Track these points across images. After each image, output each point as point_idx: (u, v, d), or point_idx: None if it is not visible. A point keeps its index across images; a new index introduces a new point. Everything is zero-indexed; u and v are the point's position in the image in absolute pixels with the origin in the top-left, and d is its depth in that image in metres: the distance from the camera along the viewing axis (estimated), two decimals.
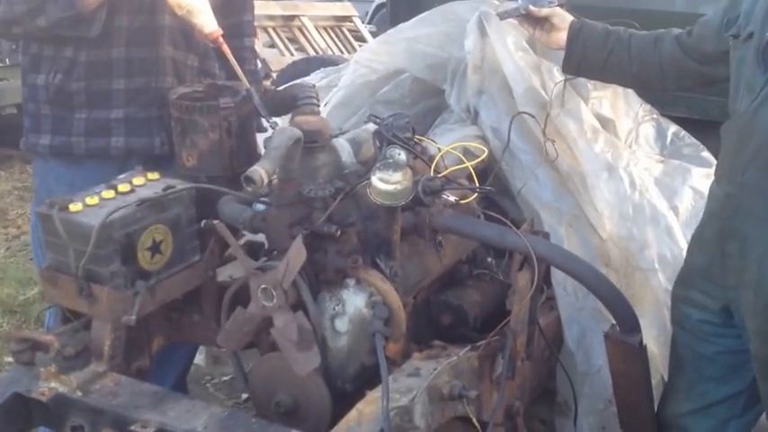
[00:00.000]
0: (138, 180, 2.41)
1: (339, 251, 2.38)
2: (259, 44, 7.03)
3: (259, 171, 2.19)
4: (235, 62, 2.68)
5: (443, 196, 2.46)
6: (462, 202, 2.50)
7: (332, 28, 7.41)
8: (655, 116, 3.27)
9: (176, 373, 3.18)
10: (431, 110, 3.33)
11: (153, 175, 2.45)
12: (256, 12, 7.23)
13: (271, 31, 7.14)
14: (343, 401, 2.29)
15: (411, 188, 2.29)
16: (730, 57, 2.28)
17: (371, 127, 2.60)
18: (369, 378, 2.34)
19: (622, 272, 2.88)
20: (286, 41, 7.07)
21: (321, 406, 2.33)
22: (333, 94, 3.31)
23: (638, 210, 2.91)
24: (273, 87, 3.02)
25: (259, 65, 3.16)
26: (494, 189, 2.66)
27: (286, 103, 2.69)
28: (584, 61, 2.59)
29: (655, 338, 2.79)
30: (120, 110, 2.82)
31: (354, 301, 2.35)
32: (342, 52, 7.07)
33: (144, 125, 2.85)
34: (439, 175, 2.49)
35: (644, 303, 2.83)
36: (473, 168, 2.58)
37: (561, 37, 2.58)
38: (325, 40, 7.20)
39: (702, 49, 2.43)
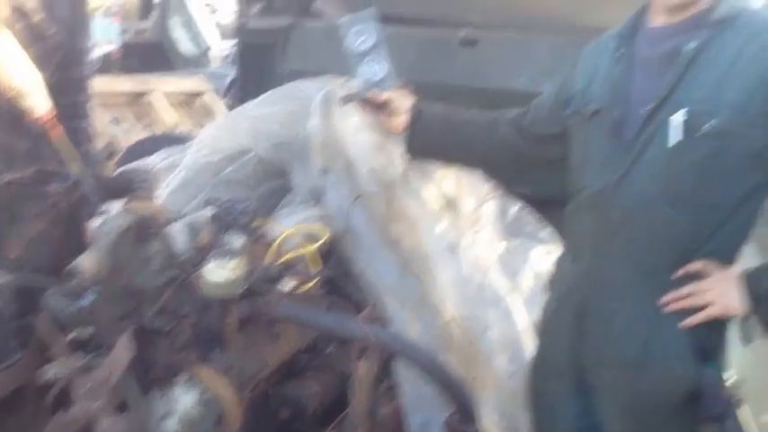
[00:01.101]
0: None
1: (171, 346, 2.28)
2: (105, 121, 6.82)
3: (86, 262, 2.11)
4: (67, 146, 2.56)
5: (282, 284, 2.40)
6: (301, 289, 2.44)
7: (185, 103, 7.31)
8: (498, 193, 3.30)
9: None
10: (276, 191, 3.27)
11: None
12: (104, 87, 7.08)
13: (118, 107, 6.97)
14: None
15: (244, 278, 2.22)
16: (573, 135, 2.28)
17: (210, 211, 2.53)
18: None
19: (465, 355, 2.86)
20: (135, 118, 6.91)
21: None
22: (174, 175, 3.22)
23: (481, 291, 2.91)
24: (109, 171, 2.91)
25: (97, 147, 3.04)
26: (332, 274, 2.61)
27: (121, 188, 2.58)
28: (427, 144, 2.56)
29: (496, 423, 2.76)
30: None
31: (185, 399, 2.25)
32: (195, 128, 6.96)
33: None
34: (278, 261, 2.43)
35: (486, 387, 2.81)
36: (315, 252, 2.52)
37: (403, 120, 2.54)
38: (177, 115, 7.08)
39: (536, 131, 2.44)
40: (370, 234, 2.94)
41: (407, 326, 2.85)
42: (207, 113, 7.32)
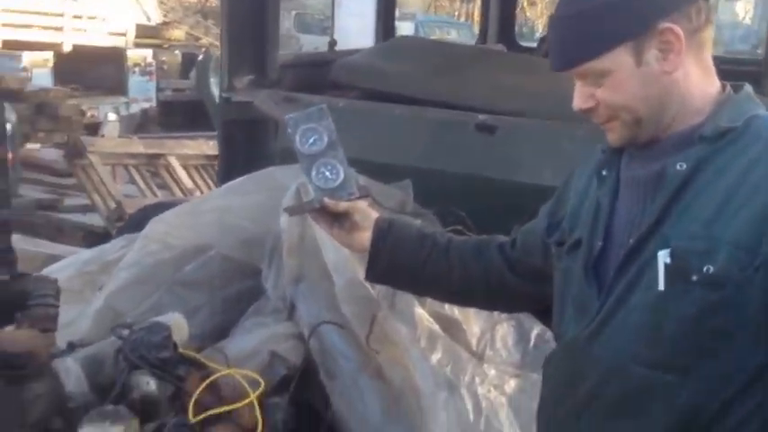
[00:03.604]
0: None
1: None
2: (118, 183, 6.49)
3: None
4: None
5: None
6: None
7: (203, 167, 6.90)
8: (515, 314, 2.68)
9: None
10: (247, 293, 2.71)
11: None
12: (117, 149, 6.72)
13: (132, 169, 6.62)
14: None
15: None
16: (554, 268, 1.77)
17: (115, 343, 1.96)
18: None
19: None
20: (149, 181, 6.54)
21: None
22: (118, 271, 2.67)
23: None
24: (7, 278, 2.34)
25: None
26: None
27: (15, 301, 2.02)
28: (393, 269, 1.99)
29: None
30: None
31: None
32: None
33: None
34: (204, 414, 1.85)
35: None
36: (254, 404, 1.94)
37: (364, 237, 1.98)
38: (193, 179, 6.68)
39: (530, 263, 1.89)
40: (349, 362, 2.36)
41: None
42: None
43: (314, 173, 1.92)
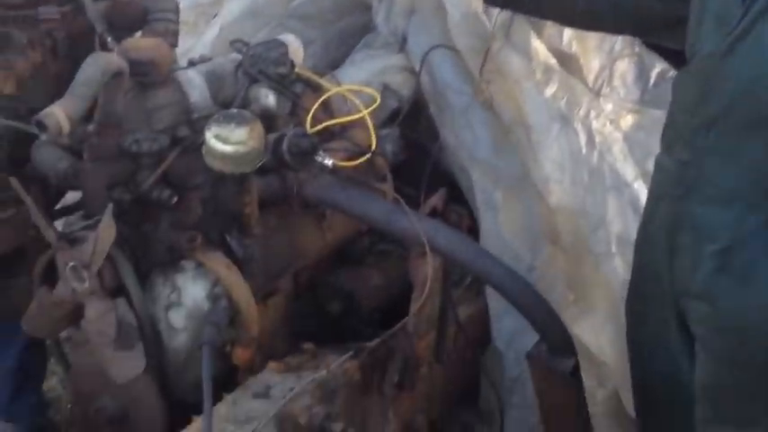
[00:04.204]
0: None
1: (176, 224, 1.82)
2: None
3: (56, 114, 1.66)
4: None
5: (323, 157, 1.85)
6: (343, 165, 1.88)
7: None
8: (636, 50, 2.56)
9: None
10: (358, 29, 2.70)
11: None
12: None
13: None
14: (184, 413, 1.77)
15: (260, 150, 1.70)
16: None
17: (237, 57, 1.97)
18: (216, 387, 1.79)
19: (573, 253, 2.26)
20: None
21: (153, 418, 1.85)
22: (227, 4, 2.66)
23: (596, 175, 2.27)
24: None
25: None
26: (378, 151, 2.04)
27: (133, 19, 2.05)
28: None
29: (610, 343, 2.15)
30: None
31: (192, 291, 1.83)
32: None
33: None
34: (321, 126, 1.88)
35: (595, 296, 2.21)
36: (368, 119, 1.95)
37: None
38: None
39: None
40: (460, 94, 2.35)
41: (500, 211, 2.32)
42: None
43: None
